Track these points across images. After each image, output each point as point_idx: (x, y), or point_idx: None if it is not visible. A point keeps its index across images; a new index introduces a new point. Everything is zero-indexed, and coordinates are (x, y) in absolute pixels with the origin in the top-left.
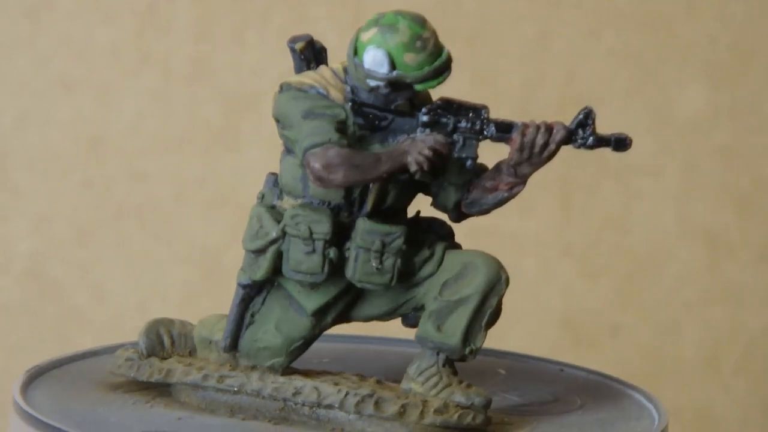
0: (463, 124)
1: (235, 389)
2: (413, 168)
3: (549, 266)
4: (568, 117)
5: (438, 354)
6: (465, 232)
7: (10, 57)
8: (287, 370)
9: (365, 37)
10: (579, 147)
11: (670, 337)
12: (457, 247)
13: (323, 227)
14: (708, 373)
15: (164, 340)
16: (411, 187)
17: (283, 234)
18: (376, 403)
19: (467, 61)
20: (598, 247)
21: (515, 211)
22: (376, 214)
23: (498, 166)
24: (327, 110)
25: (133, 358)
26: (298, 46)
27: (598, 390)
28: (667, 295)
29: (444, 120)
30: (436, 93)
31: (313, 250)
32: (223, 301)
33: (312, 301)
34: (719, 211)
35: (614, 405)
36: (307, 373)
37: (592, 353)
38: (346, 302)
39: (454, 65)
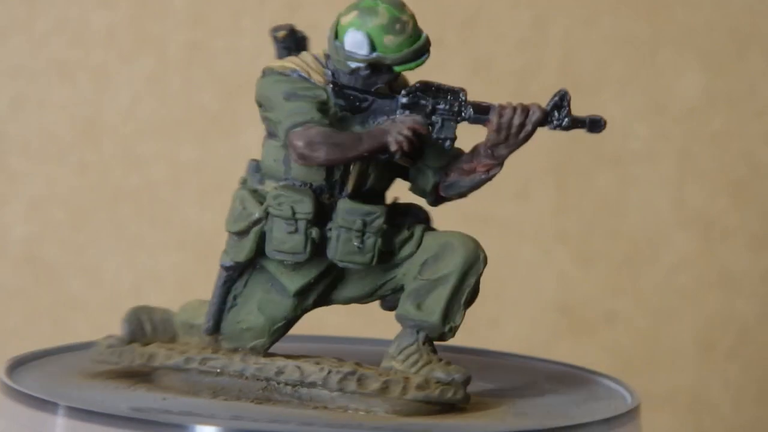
0: (441, 105)
1: (218, 371)
2: (393, 147)
3: (544, 253)
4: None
5: (418, 332)
6: (460, 219)
7: (5, 40)
8: (268, 352)
9: (345, 20)
10: (554, 128)
11: (665, 323)
12: (434, 229)
13: (305, 207)
14: (702, 358)
15: (145, 326)
16: (390, 170)
17: (266, 214)
18: (359, 380)
19: (463, 47)
20: (593, 233)
21: (510, 198)
22: (356, 197)
23: (475, 149)
24: (308, 91)
25: (114, 344)
26: (280, 34)
27: (568, 377)
28: (663, 281)
29: (423, 102)
30: (416, 76)
31: (296, 230)
32: None
33: (294, 282)
34: (715, 197)
35: (586, 389)
36: (287, 355)
37: (588, 339)
38: (327, 283)
39: (450, 51)
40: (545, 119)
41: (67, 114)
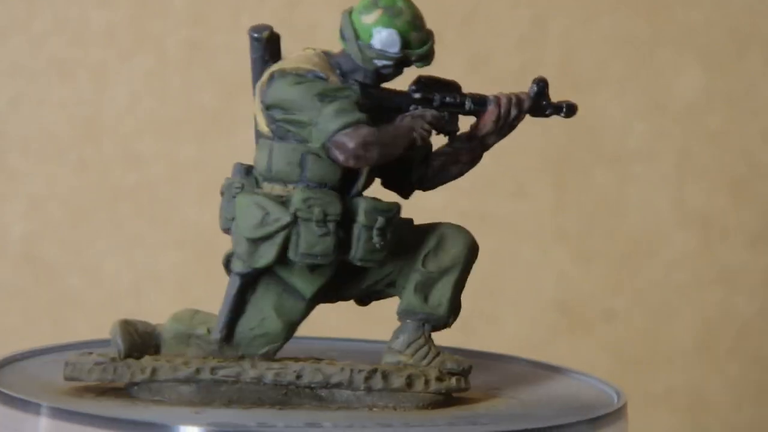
0: (449, 99)
1: (233, 379)
2: (419, 143)
3: (543, 251)
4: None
5: (424, 325)
6: (458, 217)
7: (5, 39)
8: (276, 357)
9: (369, 19)
10: (538, 116)
11: (664, 321)
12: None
13: (336, 208)
14: (701, 356)
15: (135, 340)
16: (381, 168)
17: (295, 218)
18: (384, 377)
19: (463, 45)
20: (592, 232)
21: (509, 196)
22: (359, 195)
23: (460, 138)
24: (342, 92)
25: (103, 361)
26: (265, 35)
27: (556, 377)
28: (662, 279)
29: (430, 96)
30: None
31: (327, 232)
32: (218, 284)
33: (311, 286)
34: (714, 195)
35: (574, 389)
36: (295, 358)
37: (587, 338)
38: (335, 283)
39: (450, 49)
40: (534, 108)
41: (66, 113)
